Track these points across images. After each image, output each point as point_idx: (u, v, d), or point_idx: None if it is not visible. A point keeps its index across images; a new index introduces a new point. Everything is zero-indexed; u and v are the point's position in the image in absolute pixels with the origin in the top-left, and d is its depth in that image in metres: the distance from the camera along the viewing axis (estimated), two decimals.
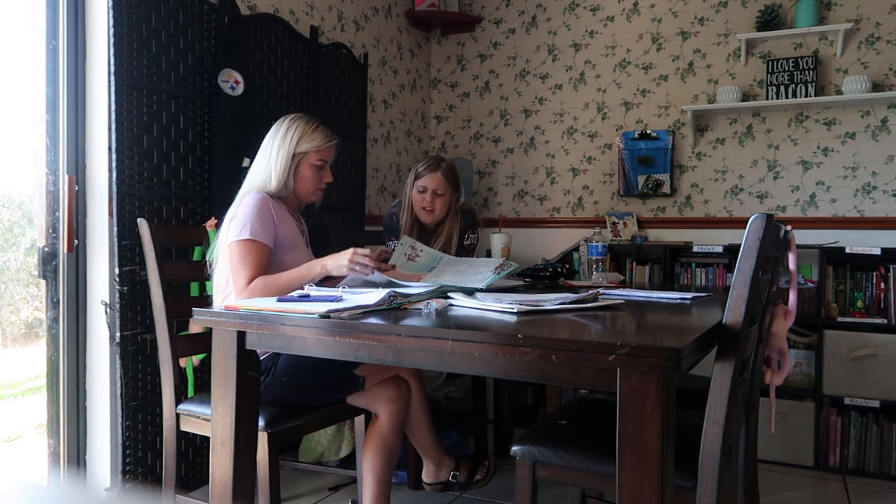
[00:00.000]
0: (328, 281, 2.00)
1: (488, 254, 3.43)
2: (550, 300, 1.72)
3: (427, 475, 2.44)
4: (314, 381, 1.99)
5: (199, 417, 2.04)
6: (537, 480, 1.63)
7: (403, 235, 2.40)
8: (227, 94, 2.54)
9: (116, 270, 2.21)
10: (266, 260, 1.95)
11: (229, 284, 1.99)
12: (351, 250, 1.90)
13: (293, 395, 1.99)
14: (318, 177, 2.11)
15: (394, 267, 2.08)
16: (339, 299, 1.65)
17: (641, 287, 2.59)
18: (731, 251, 3.21)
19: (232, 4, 2.60)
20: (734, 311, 1.35)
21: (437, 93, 4.20)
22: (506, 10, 4.00)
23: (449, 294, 1.81)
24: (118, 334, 2.21)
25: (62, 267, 2.27)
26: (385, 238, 2.71)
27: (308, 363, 1.90)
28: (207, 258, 2.15)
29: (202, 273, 2.35)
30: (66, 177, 2.26)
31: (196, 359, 2.35)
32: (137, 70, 2.27)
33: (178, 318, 2.13)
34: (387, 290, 1.69)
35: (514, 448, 1.64)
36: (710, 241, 3.35)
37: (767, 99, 3.32)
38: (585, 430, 1.74)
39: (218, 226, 2.38)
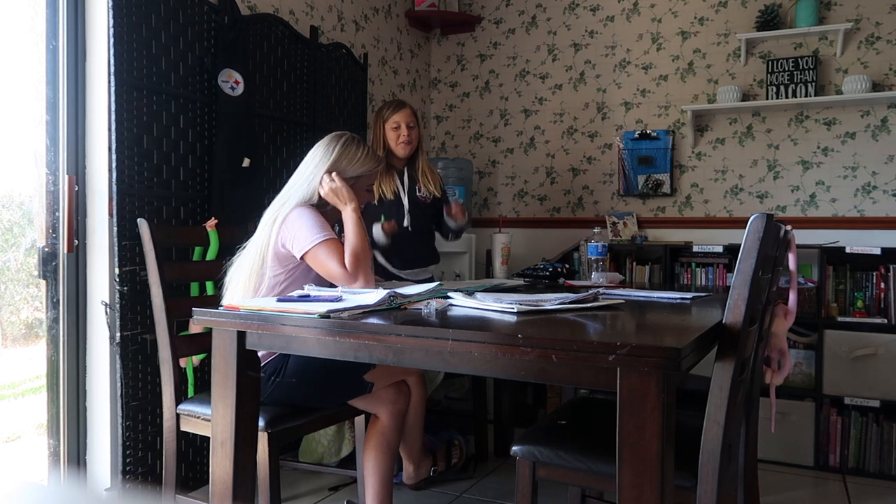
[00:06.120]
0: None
1: (488, 254, 3.43)
2: (550, 300, 1.72)
3: (408, 477, 2.45)
4: (324, 384, 1.99)
5: (199, 417, 2.04)
6: (537, 480, 1.63)
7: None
8: (227, 94, 2.54)
9: (116, 270, 2.21)
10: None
11: (251, 279, 1.96)
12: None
13: (301, 397, 1.98)
14: (366, 199, 2.18)
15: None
16: (339, 299, 1.65)
17: (641, 287, 2.59)
18: (731, 251, 3.21)
19: (232, 4, 2.60)
20: (734, 311, 1.35)
21: (437, 93, 4.20)
22: (506, 10, 4.00)
23: (449, 294, 1.82)
24: (118, 334, 2.21)
25: (62, 267, 2.27)
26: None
27: (318, 366, 1.90)
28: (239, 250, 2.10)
29: (202, 273, 2.35)
30: (66, 177, 2.25)
31: (196, 359, 2.35)
32: (137, 70, 2.27)
33: (178, 318, 2.13)
34: (387, 290, 1.69)
35: (514, 448, 1.64)
36: (710, 240, 3.35)
37: (767, 99, 3.32)
38: (585, 430, 1.74)
39: (218, 226, 2.39)
